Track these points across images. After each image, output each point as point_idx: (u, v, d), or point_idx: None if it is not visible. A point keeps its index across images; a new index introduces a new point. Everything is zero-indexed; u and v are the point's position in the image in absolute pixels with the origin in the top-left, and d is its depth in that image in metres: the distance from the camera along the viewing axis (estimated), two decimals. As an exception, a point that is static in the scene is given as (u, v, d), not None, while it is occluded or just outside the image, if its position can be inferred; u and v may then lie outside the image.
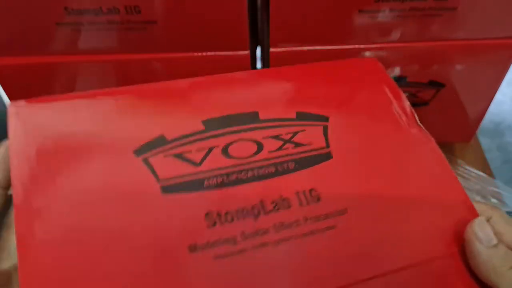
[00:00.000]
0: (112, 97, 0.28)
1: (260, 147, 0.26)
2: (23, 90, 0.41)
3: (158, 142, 0.25)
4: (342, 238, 0.23)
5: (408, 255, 0.24)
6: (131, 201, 0.23)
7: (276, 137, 0.27)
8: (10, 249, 0.26)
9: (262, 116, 0.28)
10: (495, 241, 0.23)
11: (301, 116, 0.28)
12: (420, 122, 0.49)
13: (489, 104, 0.48)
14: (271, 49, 0.40)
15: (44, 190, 0.23)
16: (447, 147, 0.52)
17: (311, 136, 0.27)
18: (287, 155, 0.26)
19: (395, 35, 0.40)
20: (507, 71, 0.45)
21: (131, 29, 0.37)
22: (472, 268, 0.24)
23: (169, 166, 0.24)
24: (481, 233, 0.24)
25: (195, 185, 0.24)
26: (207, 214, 0.23)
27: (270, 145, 0.26)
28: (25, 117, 0.25)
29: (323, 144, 0.27)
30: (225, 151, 0.26)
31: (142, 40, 0.38)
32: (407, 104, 0.31)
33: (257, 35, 0.45)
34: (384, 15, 0.38)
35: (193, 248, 0.22)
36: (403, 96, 0.32)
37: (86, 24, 0.36)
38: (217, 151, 0.25)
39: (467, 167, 0.46)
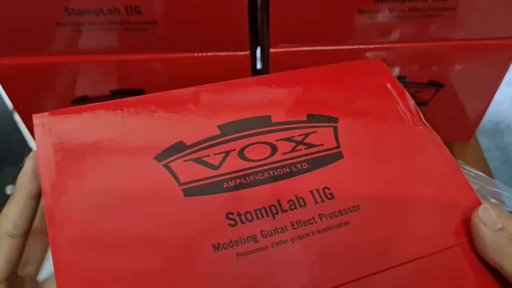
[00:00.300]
0: (129, 106, 0.29)
1: (274, 149, 0.28)
2: (24, 90, 0.41)
3: (177, 148, 0.27)
4: (356, 233, 0.25)
5: (420, 247, 0.25)
6: (155, 204, 0.24)
7: (289, 139, 0.28)
8: (36, 255, 0.27)
9: (274, 119, 0.29)
10: (499, 225, 0.24)
11: (311, 118, 0.30)
12: (420, 122, 0.49)
13: (488, 104, 0.48)
14: (271, 50, 0.40)
15: (73, 196, 0.24)
16: (447, 147, 0.52)
17: (322, 137, 0.29)
18: (300, 156, 0.28)
19: (395, 35, 0.40)
20: (507, 71, 0.45)
21: (132, 30, 0.37)
22: (479, 252, 0.25)
23: (189, 170, 0.26)
24: (485, 217, 0.25)
25: (214, 187, 0.25)
26: (227, 214, 0.24)
27: (284, 147, 0.28)
28: (50, 127, 0.27)
29: (334, 144, 0.29)
30: (241, 154, 0.27)
31: (143, 40, 0.38)
32: (412, 103, 0.32)
33: (257, 36, 0.45)
34: (384, 16, 0.38)
35: (216, 247, 0.23)
36: (408, 95, 0.33)
37: (86, 24, 0.37)
38: (233, 154, 0.27)
39: (467, 167, 0.46)
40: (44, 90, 0.42)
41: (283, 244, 0.24)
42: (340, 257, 0.24)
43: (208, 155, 0.27)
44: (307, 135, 0.29)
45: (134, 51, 0.39)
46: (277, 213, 0.25)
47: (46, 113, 0.28)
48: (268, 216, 0.25)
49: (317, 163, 0.27)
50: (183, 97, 0.30)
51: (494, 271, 0.24)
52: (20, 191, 0.25)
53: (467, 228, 0.26)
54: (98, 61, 0.39)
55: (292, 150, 0.28)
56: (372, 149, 0.29)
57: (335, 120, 0.30)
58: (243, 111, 0.29)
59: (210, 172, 0.26)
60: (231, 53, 0.39)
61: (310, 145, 0.28)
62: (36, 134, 0.26)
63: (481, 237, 0.24)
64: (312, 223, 0.25)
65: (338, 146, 0.29)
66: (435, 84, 0.45)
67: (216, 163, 0.26)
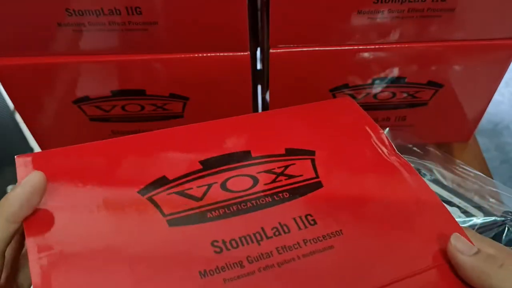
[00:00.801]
0: (112, 147, 0.30)
1: (255, 180, 0.29)
2: (25, 90, 0.41)
3: (160, 182, 0.27)
4: (340, 256, 0.25)
5: (402, 268, 0.25)
6: (139, 235, 0.25)
7: (269, 171, 0.30)
8: (27, 274, 0.27)
9: (254, 153, 0.30)
10: (475, 249, 0.25)
11: (289, 152, 0.31)
12: (419, 122, 0.50)
13: (487, 104, 0.48)
14: (271, 50, 0.40)
15: (56, 229, 0.24)
16: (446, 147, 0.52)
17: (301, 168, 0.30)
18: (281, 186, 0.29)
19: (394, 35, 0.40)
20: (505, 72, 0.45)
21: (132, 30, 0.37)
22: (466, 280, 0.25)
23: (172, 202, 0.27)
24: (459, 245, 0.25)
25: (198, 217, 0.26)
26: (213, 242, 0.25)
27: (265, 178, 0.29)
28: (34, 167, 0.27)
29: (313, 174, 0.30)
30: (223, 186, 0.28)
31: (143, 40, 0.38)
32: (384, 136, 0.34)
33: (257, 36, 0.46)
34: (383, 16, 0.38)
35: (203, 274, 0.23)
36: (380, 129, 0.34)
37: (87, 25, 0.37)
38: (216, 186, 0.28)
39: (466, 167, 0.46)
40: (45, 91, 0.42)
41: (270, 268, 0.24)
42: (326, 280, 0.24)
43: (191, 188, 0.28)
44: (286, 167, 0.30)
45: (135, 52, 0.39)
46: (262, 239, 0.25)
47: (30, 155, 0.28)
48: (253, 242, 0.25)
49: (298, 192, 0.28)
50: (165, 136, 0.32)
51: None
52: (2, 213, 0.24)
53: (445, 249, 0.26)
54: (99, 61, 0.40)
55: (273, 181, 0.29)
56: (349, 178, 0.30)
57: (312, 153, 0.31)
58: (223, 148, 0.30)
59: (193, 204, 0.27)
60: (231, 53, 0.40)
61: (290, 176, 0.29)
62: (18, 174, 0.27)
63: (461, 265, 0.24)
64: (297, 247, 0.25)
65: (317, 176, 0.30)
66: (434, 85, 0.45)
67: (199, 195, 0.27)
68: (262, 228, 0.26)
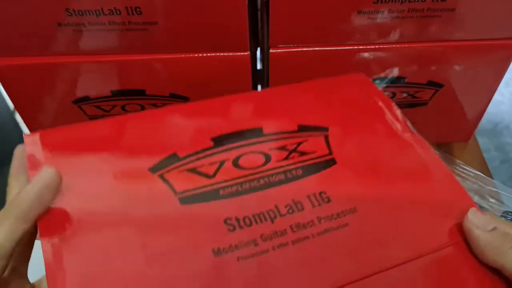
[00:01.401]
0: (122, 121, 0.30)
1: (267, 158, 0.28)
2: (25, 90, 0.41)
3: (172, 160, 0.27)
4: (355, 234, 0.25)
5: (418, 246, 0.25)
6: (151, 213, 0.24)
7: (282, 148, 0.29)
8: (23, 249, 0.26)
9: (265, 131, 0.30)
10: (492, 225, 0.24)
11: (302, 128, 0.30)
12: (419, 122, 0.50)
13: (487, 104, 0.48)
14: (271, 50, 0.40)
15: (70, 204, 0.24)
16: (446, 147, 0.52)
17: (314, 145, 0.30)
18: (294, 163, 0.28)
19: (394, 35, 0.40)
20: (505, 72, 0.45)
21: (132, 30, 0.37)
22: (478, 256, 0.25)
23: (184, 180, 0.26)
24: (476, 220, 0.25)
25: (210, 195, 0.26)
26: (226, 220, 0.24)
27: (277, 155, 0.28)
28: (45, 144, 0.27)
29: (326, 151, 0.29)
30: (235, 163, 0.27)
31: (143, 40, 0.38)
32: (398, 112, 0.33)
33: (258, 36, 0.46)
34: (383, 16, 0.38)
35: (217, 252, 0.23)
36: (394, 105, 0.34)
37: (87, 25, 0.37)
38: (228, 164, 0.27)
39: (466, 167, 0.46)
40: (45, 91, 0.42)
41: (284, 246, 0.24)
42: (342, 259, 0.24)
43: (202, 165, 0.27)
44: (299, 144, 0.29)
45: (135, 52, 0.39)
46: (275, 217, 0.25)
47: (38, 132, 0.28)
48: (266, 220, 0.25)
49: (311, 169, 0.28)
50: (176, 112, 0.31)
51: (491, 270, 0.25)
52: (8, 210, 0.23)
53: (461, 227, 0.26)
54: (98, 61, 0.40)
55: (286, 158, 0.28)
56: (363, 154, 0.30)
57: (326, 129, 0.31)
58: (234, 125, 0.30)
59: (205, 181, 0.26)
60: (231, 53, 0.40)
61: (302, 153, 0.29)
62: (27, 154, 0.26)
63: (476, 240, 0.24)
64: (311, 225, 0.25)
65: (331, 153, 0.29)
66: (434, 85, 0.45)
67: (210, 173, 0.27)
68: (276, 206, 0.25)
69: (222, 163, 0.27)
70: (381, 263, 0.24)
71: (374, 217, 0.26)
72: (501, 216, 0.42)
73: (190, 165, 0.27)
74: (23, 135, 0.27)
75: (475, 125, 0.51)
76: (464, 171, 0.46)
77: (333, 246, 0.24)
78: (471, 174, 0.45)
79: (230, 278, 0.22)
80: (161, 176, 0.26)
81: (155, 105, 0.44)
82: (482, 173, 0.45)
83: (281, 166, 0.28)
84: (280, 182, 0.27)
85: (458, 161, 0.47)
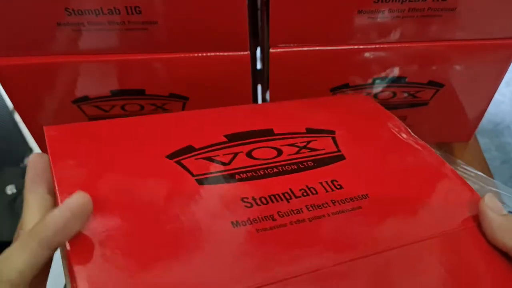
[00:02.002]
0: (139, 120, 0.31)
1: (279, 152, 0.30)
2: (24, 90, 0.41)
3: (187, 150, 0.28)
4: (368, 215, 0.26)
5: (428, 228, 0.26)
6: (170, 193, 0.25)
7: (292, 145, 0.31)
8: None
9: (276, 131, 0.31)
10: (505, 211, 0.25)
11: (310, 131, 0.32)
12: (420, 122, 0.49)
13: (488, 104, 0.48)
14: (271, 50, 0.40)
15: (94, 191, 0.24)
16: (446, 147, 0.52)
17: (323, 144, 0.31)
18: (305, 157, 0.30)
19: (395, 35, 0.40)
20: (506, 71, 0.45)
21: (132, 30, 0.37)
22: (488, 238, 0.25)
23: (201, 166, 0.27)
24: (492, 204, 0.26)
25: (227, 178, 0.27)
26: (242, 199, 0.25)
27: (288, 150, 0.30)
28: (64, 137, 0.28)
29: (335, 149, 0.31)
30: (249, 154, 0.29)
31: (143, 40, 0.38)
32: (400, 122, 0.35)
33: (258, 36, 0.46)
34: (383, 16, 0.38)
35: (235, 224, 0.24)
36: (396, 117, 0.36)
37: (87, 25, 0.37)
38: (242, 155, 0.29)
39: (466, 167, 0.46)
40: (44, 90, 0.42)
41: (301, 222, 0.24)
42: (357, 235, 0.25)
43: (218, 155, 0.28)
44: (308, 142, 0.31)
45: (134, 51, 0.39)
46: (290, 198, 0.26)
47: (59, 128, 0.29)
48: (282, 200, 0.26)
49: (322, 162, 0.29)
50: (191, 115, 0.33)
51: (502, 254, 0.25)
52: (34, 236, 0.21)
53: (471, 216, 0.27)
54: (98, 61, 0.39)
55: (297, 153, 0.30)
56: (371, 153, 0.31)
57: (333, 132, 0.33)
58: (247, 126, 0.31)
59: (221, 167, 0.27)
60: (231, 53, 0.39)
61: (312, 149, 0.30)
62: (48, 144, 0.27)
63: (489, 221, 0.25)
64: (326, 206, 0.26)
65: (339, 151, 0.31)
66: (435, 84, 0.45)
67: (226, 161, 0.28)
68: (290, 189, 0.26)
69: (236, 154, 0.29)
70: (395, 241, 0.25)
71: (386, 203, 0.27)
72: (502, 216, 0.42)
73: (206, 155, 0.28)
74: (45, 134, 0.27)
75: (476, 125, 0.51)
76: (464, 171, 0.45)
77: (348, 224, 0.25)
78: (472, 174, 0.45)
79: (250, 248, 0.23)
80: (178, 162, 0.27)
81: (154, 105, 0.44)
82: (483, 173, 0.45)
83: (293, 159, 0.29)
84: (292, 171, 0.28)
85: (458, 161, 0.47)
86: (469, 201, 0.28)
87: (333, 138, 0.32)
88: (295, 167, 0.28)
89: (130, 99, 0.43)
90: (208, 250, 0.22)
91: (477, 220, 0.26)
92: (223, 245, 0.23)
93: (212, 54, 0.39)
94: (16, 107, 0.43)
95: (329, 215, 0.25)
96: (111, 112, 0.44)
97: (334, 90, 0.45)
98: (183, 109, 0.44)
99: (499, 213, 0.25)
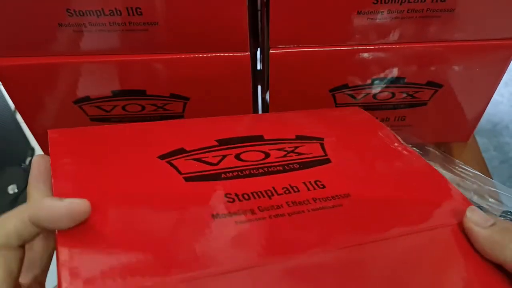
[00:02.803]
0: (138, 125, 0.33)
1: (267, 155, 0.30)
2: (26, 90, 0.42)
3: (178, 152, 0.29)
4: (349, 212, 0.26)
5: (408, 225, 0.26)
6: (157, 188, 0.26)
7: (280, 149, 0.31)
8: (32, 260, 0.26)
9: (266, 137, 0.32)
10: (491, 221, 0.24)
11: (300, 137, 0.33)
12: (418, 122, 0.50)
13: (486, 105, 0.49)
14: (271, 50, 0.40)
15: (85, 183, 0.25)
16: (445, 147, 0.52)
17: (311, 149, 0.32)
18: (291, 159, 0.30)
19: (394, 36, 0.41)
20: (505, 72, 0.45)
21: (133, 30, 0.37)
22: (480, 252, 0.25)
23: (189, 165, 0.28)
24: (475, 217, 0.25)
25: (213, 176, 0.28)
26: (226, 194, 0.26)
27: (276, 154, 0.31)
28: (65, 139, 0.29)
29: (322, 153, 0.32)
30: (237, 157, 0.30)
31: (144, 41, 0.38)
32: (389, 130, 0.36)
33: (258, 37, 0.46)
34: (383, 17, 0.39)
35: (215, 216, 0.25)
36: (388, 128, 0.37)
37: (88, 25, 0.37)
38: (230, 157, 0.30)
39: (465, 167, 0.46)
40: (46, 91, 0.42)
41: (280, 216, 0.25)
42: (336, 229, 0.25)
43: (207, 157, 0.29)
44: (296, 147, 0.32)
45: (135, 52, 0.39)
46: (272, 195, 0.27)
47: (57, 134, 0.30)
48: (264, 197, 0.26)
49: (307, 165, 0.30)
50: (186, 122, 0.34)
51: (493, 265, 0.25)
52: (29, 210, 0.22)
53: (453, 215, 0.27)
54: (99, 61, 0.40)
55: (284, 156, 0.31)
56: (356, 158, 0.32)
57: (321, 139, 0.34)
58: (238, 132, 0.33)
59: (209, 167, 0.28)
60: (231, 54, 0.40)
61: (300, 153, 0.31)
62: (50, 145, 0.28)
63: (476, 237, 0.24)
64: (307, 203, 0.26)
65: (326, 155, 0.31)
66: (434, 85, 0.45)
67: (214, 162, 0.29)
68: (273, 187, 0.27)
69: (225, 156, 0.30)
70: (375, 234, 0.25)
71: (367, 202, 0.28)
72: (500, 215, 0.42)
73: (196, 156, 0.29)
74: (48, 136, 0.29)
75: (475, 125, 0.52)
76: (463, 171, 0.46)
77: (327, 219, 0.26)
78: (470, 174, 0.45)
79: (226, 237, 0.24)
80: (168, 162, 0.28)
81: (155, 105, 0.44)
82: (482, 173, 0.45)
83: (279, 161, 0.30)
84: (278, 172, 0.29)
85: (457, 161, 0.47)
86: (454, 202, 0.28)
87: (321, 144, 0.32)
88: (281, 168, 0.29)
89: (131, 99, 0.43)
90: (183, 236, 0.23)
91: (460, 218, 0.26)
92: (200, 234, 0.24)
93: (213, 54, 0.40)
94: (17, 107, 0.43)
95: (309, 211, 0.26)
96: (112, 113, 0.44)
97: (334, 90, 0.45)
98: (183, 109, 0.45)
99: (485, 226, 0.24)
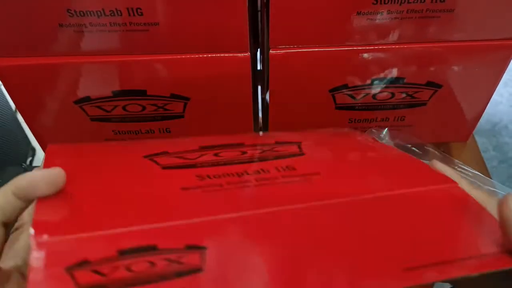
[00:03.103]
0: (131, 142, 0.36)
1: (244, 152, 0.32)
2: (27, 90, 0.42)
3: (162, 153, 0.31)
4: (317, 185, 0.27)
5: (380, 188, 0.26)
6: (136, 175, 0.29)
7: (259, 149, 0.33)
8: (17, 250, 0.27)
9: (247, 143, 0.34)
10: None
11: (279, 142, 0.35)
12: (418, 122, 0.50)
13: (486, 105, 0.49)
14: (271, 51, 0.40)
15: (72, 174, 0.26)
16: (444, 147, 0.52)
17: (288, 149, 0.34)
18: (267, 154, 0.32)
19: (393, 36, 0.41)
20: (504, 72, 0.45)
21: (133, 31, 0.38)
22: None
23: (169, 160, 0.30)
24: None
25: (189, 166, 0.29)
26: (198, 176, 0.27)
27: (253, 151, 0.32)
28: (60, 150, 0.30)
29: (298, 151, 0.33)
30: (216, 154, 0.31)
31: (144, 41, 0.38)
32: (371, 137, 0.38)
33: (258, 37, 0.46)
34: (382, 17, 0.39)
35: (185, 189, 0.26)
36: (369, 136, 0.38)
37: (88, 26, 0.37)
38: (210, 154, 0.31)
39: (464, 167, 0.46)
40: (46, 91, 0.42)
41: (247, 186, 0.27)
42: (301, 191, 0.26)
43: (187, 155, 0.31)
44: (274, 148, 0.34)
45: (136, 52, 0.40)
46: (243, 175, 0.28)
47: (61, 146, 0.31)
48: (234, 176, 0.28)
49: (281, 156, 0.31)
50: (170, 141, 0.36)
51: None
52: (11, 184, 0.25)
53: (433, 183, 0.26)
54: (100, 62, 0.40)
55: (261, 153, 0.33)
56: (330, 151, 0.33)
57: (299, 143, 0.35)
58: (221, 141, 0.34)
59: (187, 162, 0.30)
60: (231, 54, 0.40)
61: (276, 151, 0.33)
62: (46, 156, 0.30)
63: None
64: (275, 178, 0.27)
65: (301, 151, 0.33)
66: (433, 85, 0.45)
67: (193, 157, 0.31)
68: (245, 170, 0.29)
69: (204, 154, 0.31)
70: (352, 194, 0.25)
71: (337, 177, 0.28)
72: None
73: (176, 155, 0.31)
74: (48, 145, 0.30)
75: (474, 125, 0.52)
76: (462, 171, 0.46)
77: (293, 189, 0.26)
78: (470, 174, 0.45)
79: (194, 202, 0.25)
80: (151, 159, 0.30)
81: (156, 105, 0.44)
82: (481, 173, 0.45)
83: (256, 156, 0.32)
84: (251, 161, 0.31)
85: (456, 161, 0.47)
86: (435, 175, 0.27)
87: (299, 145, 0.34)
88: (255, 159, 0.31)
89: (132, 99, 0.43)
90: (151, 203, 0.24)
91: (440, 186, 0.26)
92: (168, 201, 0.25)
93: (213, 55, 0.40)
94: (18, 107, 0.43)
95: (276, 184, 0.27)
96: (112, 113, 0.44)
97: (333, 90, 0.45)
98: (184, 109, 0.45)
99: None
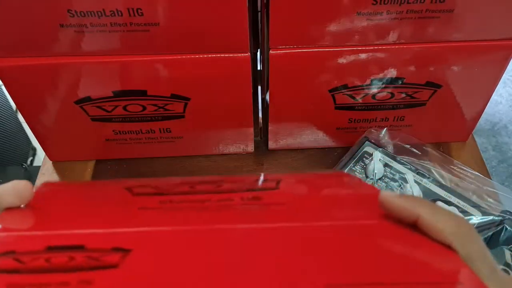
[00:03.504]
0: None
1: (219, 186, 0.31)
2: (27, 90, 0.42)
3: (142, 186, 0.31)
4: (274, 212, 0.26)
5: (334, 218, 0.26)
6: (108, 200, 0.29)
7: (237, 184, 0.32)
8: None
9: (229, 180, 0.33)
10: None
11: (262, 180, 0.34)
12: (417, 122, 0.50)
13: (485, 105, 0.49)
14: (271, 51, 0.41)
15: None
16: (444, 147, 0.53)
17: (265, 185, 0.32)
18: (240, 187, 0.31)
19: (393, 36, 0.41)
20: (503, 72, 0.45)
21: (134, 31, 0.38)
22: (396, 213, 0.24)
23: (144, 190, 0.30)
24: (386, 192, 0.24)
25: (158, 194, 0.29)
26: (161, 201, 0.27)
27: (231, 186, 0.31)
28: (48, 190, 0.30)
29: (274, 186, 0.32)
30: (191, 186, 0.30)
31: (145, 41, 0.39)
32: (358, 178, 0.36)
33: (258, 38, 0.46)
34: (382, 17, 0.39)
35: (141, 208, 0.26)
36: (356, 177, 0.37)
37: (89, 26, 0.37)
38: (185, 187, 0.30)
39: (463, 167, 0.46)
40: (47, 91, 0.42)
41: (204, 209, 0.26)
42: (255, 214, 0.26)
43: (165, 186, 0.31)
44: (253, 182, 0.32)
45: (136, 52, 0.40)
46: (205, 202, 0.27)
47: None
48: (196, 203, 0.27)
49: (253, 189, 0.30)
50: (162, 179, 0.35)
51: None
52: None
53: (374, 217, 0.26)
54: (100, 62, 0.40)
55: (236, 186, 0.31)
56: (306, 189, 0.32)
57: (280, 180, 0.33)
58: (209, 179, 0.33)
59: (159, 191, 0.30)
60: (232, 54, 0.40)
61: (251, 185, 0.32)
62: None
63: (391, 203, 0.23)
64: (235, 205, 0.27)
65: (276, 187, 0.31)
66: (433, 85, 0.46)
67: (167, 188, 0.30)
68: (210, 199, 0.28)
69: (180, 186, 0.30)
70: (299, 220, 0.25)
71: (297, 208, 0.27)
72: (499, 215, 0.42)
73: (154, 187, 0.31)
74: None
75: (473, 125, 0.52)
76: (462, 171, 0.46)
77: (249, 213, 0.26)
78: (469, 174, 0.45)
79: (145, 216, 0.25)
80: (129, 189, 0.30)
81: (156, 105, 0.44)
82: (480, 173, 0.46)
83: (229, 188, 0.30)
84: (222, 192, 0.29)
85: (456, 161, 0.47)
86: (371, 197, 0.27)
87: (278, 181, 0.33)
88: (226, 191, 0.30)
89: (132, 99, 0.43)
90: (104, 218, 0.25)
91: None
92: (120, 215, 0.26)
93: (213, 55, 0.40)
94: (19, 107, 0.44)
95: (233, 209, 0.26)
96: (113, 113, 0.44)
97: (333, 91, 0.45)
98: (184, 109, 0.45)
99: (395, 196, 0.23)
